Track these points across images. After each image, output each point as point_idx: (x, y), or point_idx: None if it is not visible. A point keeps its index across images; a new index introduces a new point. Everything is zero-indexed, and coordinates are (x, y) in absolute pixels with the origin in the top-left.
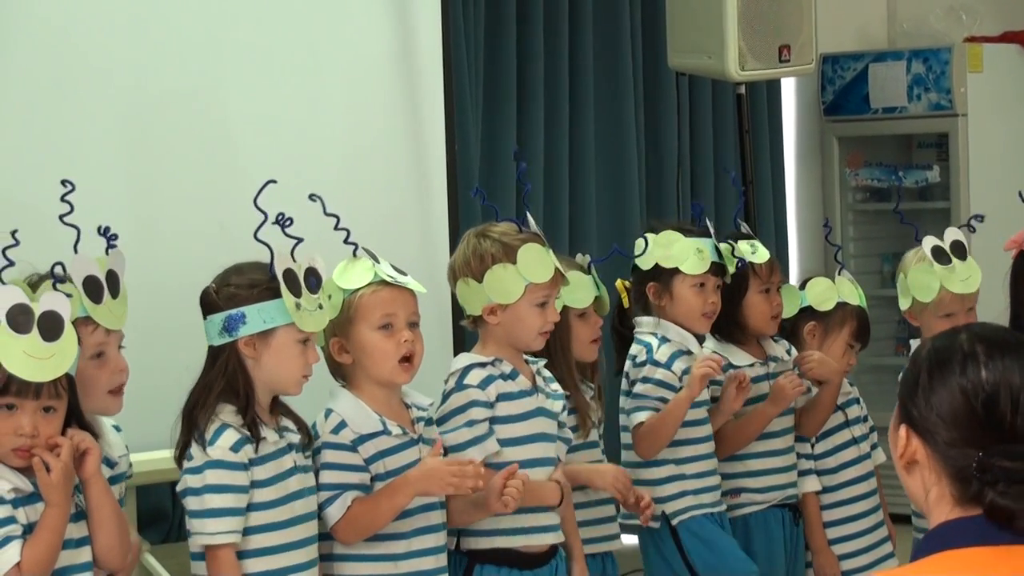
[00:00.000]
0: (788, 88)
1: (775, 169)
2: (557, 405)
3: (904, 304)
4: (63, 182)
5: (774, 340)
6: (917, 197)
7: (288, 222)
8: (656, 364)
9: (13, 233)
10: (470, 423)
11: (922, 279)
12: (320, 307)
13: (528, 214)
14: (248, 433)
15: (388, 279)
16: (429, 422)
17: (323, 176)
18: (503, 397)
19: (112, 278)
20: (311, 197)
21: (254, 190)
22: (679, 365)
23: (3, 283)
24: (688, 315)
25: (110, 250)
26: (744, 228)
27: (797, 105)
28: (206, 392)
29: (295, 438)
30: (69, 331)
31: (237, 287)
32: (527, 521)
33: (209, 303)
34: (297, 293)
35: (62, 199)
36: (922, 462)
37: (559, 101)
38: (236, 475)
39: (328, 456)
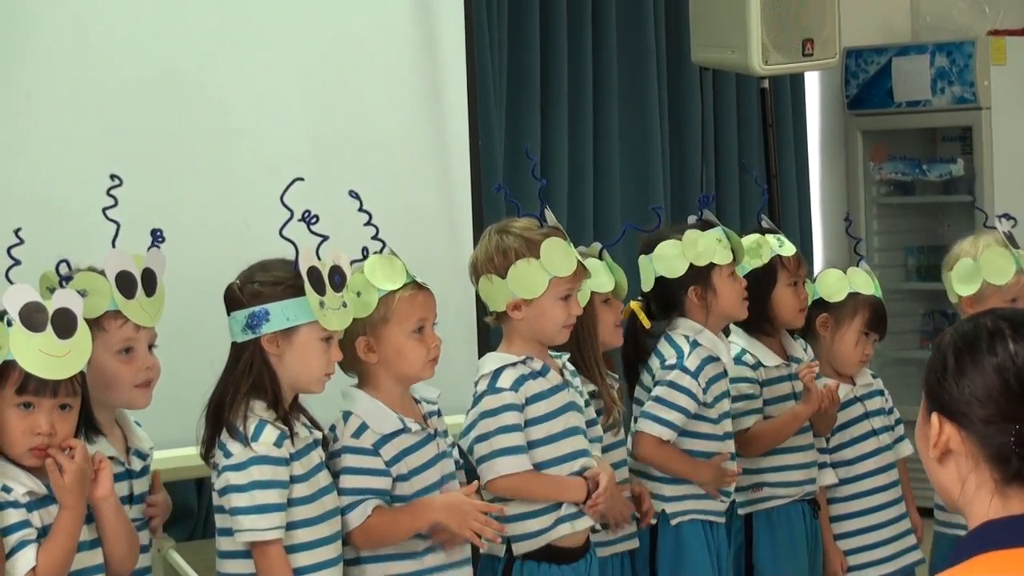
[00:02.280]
0: (812, 82)
1: (799, 163)
2: (582, 400)
3: (966, 291)
4: (112, 176)
5: (792, 339)
6: (941, 191)
7: (314, 219)
8: (684, 371)
9: (17, 231)
10: (503, 429)
11: (997, 262)
12: (344, 305)
13: (546, 208)
14: (284, 428)
15: (420, 282)
16: (439, 414)
17: (345, 172)
18: (536, 397)
19: (148, 276)
20: (350, 194)
21: (278, 187)
22: (705, 375)
23: (11, 282)
24: (733, 304)
25: (151, 249)
26: (767, 223)
27: (821, 99)
28: (233, 389)
29: (318, 434)
30: (83, 328)
31: (261, 284)
32: (560, 512)
33: (233, 299)
34: (321, 291)
35: (108, 193)
36: (956, 449)
37: (583, 96)
38: (280, 470)
39: (349, 460)
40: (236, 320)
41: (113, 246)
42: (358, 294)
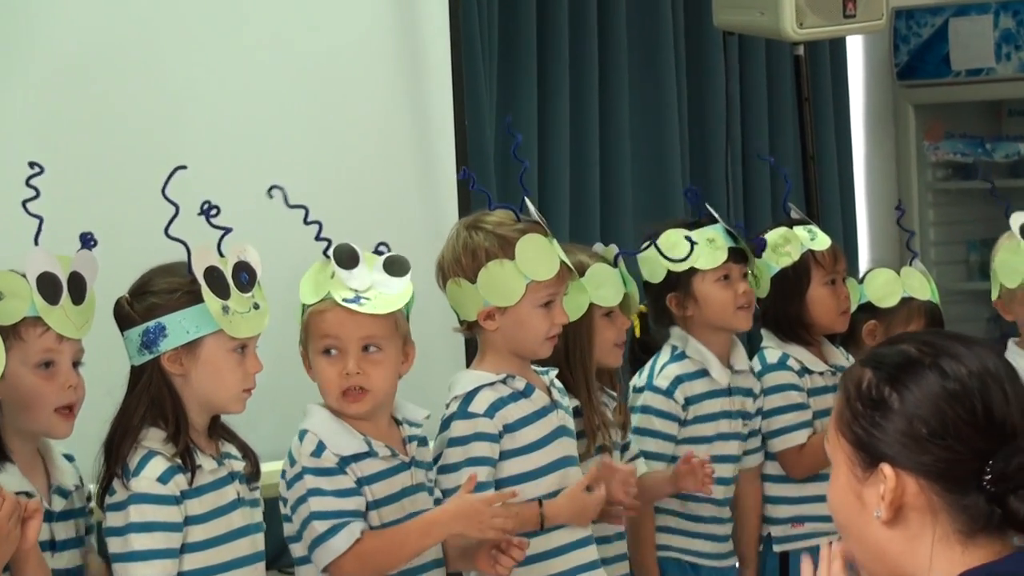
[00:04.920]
0: (855, 48)
1: (841, 143)
2: (572, 421)
3: (993, 293)
4: (31, 164)
5: (833, 346)
6: (1008, 173)
7: (215, 211)
8: (654, 391)
9: None
10: (471, 462)
11: (1010, 261)
12: (256, 307)
13: (527, 199)
14: (180, 462)
15: (339, 300)
16: (423, 441)
17: (312, 161)
18: (520, 423)
19: (76, 281)
20: (269, 191)
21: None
22: (683, 391)
23: None
24: (722, 313)
25: (81, 251)
26: (796, 212)
27: (865, 68)
28: (127, 419)
29: (239, 466)
30: None
31: (155, 294)
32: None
33: (124, 316)
34: (224, 294)
35: (27, 183)
36: (911, 503)
37: (587, 67)
38: (165, 510)
39: (313, 482)
40: (130, 340)
41: (36, 243)
42: (302, 305)
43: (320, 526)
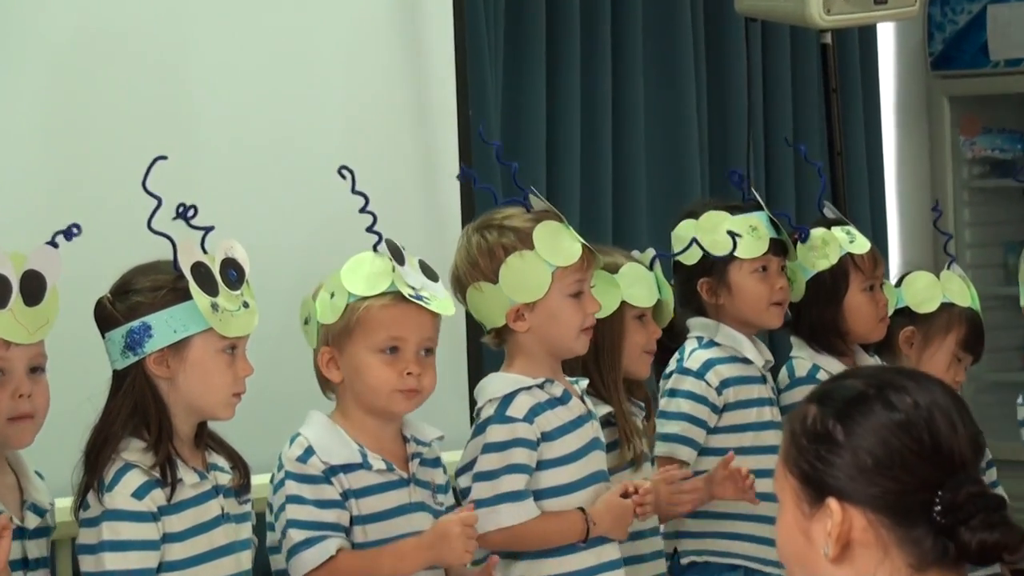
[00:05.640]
0: (886, 37)
1: (870, 138)
2: (602, 433)
3: (1022, 299)
4: None
5: (868, 356)
6: None
7: (192, 211)
8: (685, 372)
9: None
10: (511, 468)
11: None
12: (246, 305)
13: (532, 191)
14: (158, 475)
15: (407, 295)
16: (432, 463)
17: (305, 146)
18: (558, 431)
19: (32, 280)
20: (340, 172)
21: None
22: (717, 374)
23: None
24: (755, 307)
25: (43, 246)
26: (832, 211)
27: (897, 58)
28: (108, 427)
29: (225, 479)
30: None
31: (138, 292)
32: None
33: (106, 317)
34: (213, 291)
35: None
36: (860, 539)
37: (599, 54)
38: (140, 528)
39: (294, 488)
40: (112, 342)
41: None
42: (332, 295)
43: (296, 535)
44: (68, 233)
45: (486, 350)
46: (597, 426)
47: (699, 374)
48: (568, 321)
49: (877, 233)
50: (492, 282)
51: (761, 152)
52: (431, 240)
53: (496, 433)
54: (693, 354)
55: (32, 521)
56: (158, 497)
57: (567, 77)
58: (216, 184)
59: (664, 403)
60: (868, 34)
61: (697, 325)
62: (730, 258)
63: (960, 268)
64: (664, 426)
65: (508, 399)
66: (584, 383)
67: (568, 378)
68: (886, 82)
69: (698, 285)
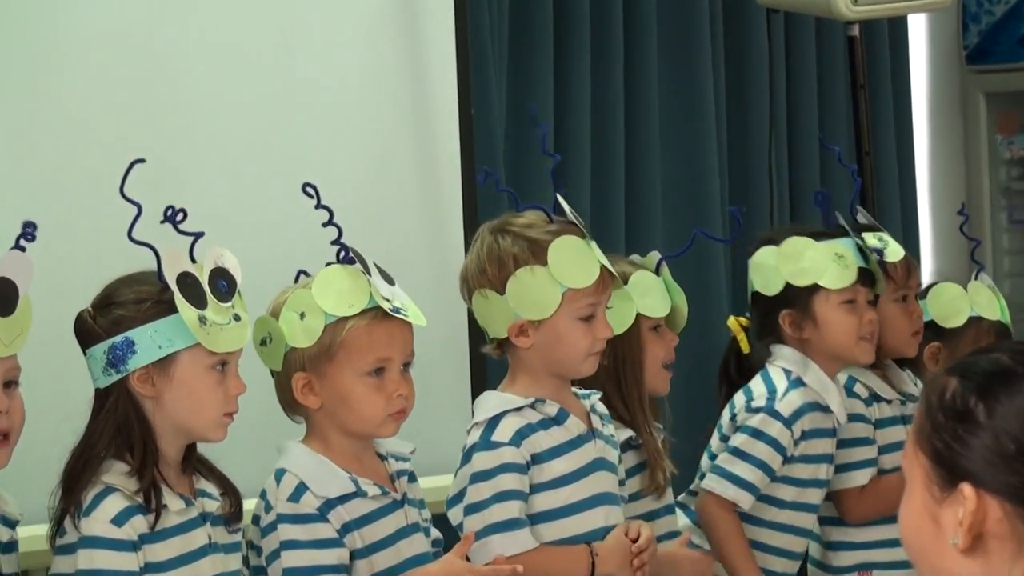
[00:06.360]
0: (917, 29)
1: (901, 137)
2: (615, 454)
3: None
4: None
5: (901, 371)
6: None
7: (180, 215)
8: (775, 416)
9: None
10: (499, 497)
11: None
12: (237, 319)
13: (559, 197)
14: (141, 500)
15: (388, 310)
16: (413, 477)
17: (298, 146)
18: (550, 453)
19: (3, 288)
20: (305, 189)
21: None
22: (801, 425)
23: None
24: (844, 342)
25: (11, 251)
26: (865, 217)
27: (930, 51)
28: (89, 447)
29: (213, 506)
30: None
31: (121, 305)
32: None
33: (87, 332)
34: (200, 303)
35: None
36: (994, 531)
37: (611, 48)
38: (117, 557)
39: (289, 532)
40: (94, 358)
41: None
42: (302, 315)
43: None
44: (27, 235)
45: (492, 362)
46: (603, 445)
47: (788, 422)
48: (574, 344)
49: (908, 239)
50: (499, 292)
51: (784, 153)
52: (431, 241)
53: (482, 461)
54: (787, 396)
55: (3, 534)
56: (139, 524)
57: (576, 73)
58: (207, 188)
59: (742, 441)
60: (898, 26)
61: (784, 356)
62: (815, 288)
63: (989, 278)
64: (735, 465)
65: (493, 422)
66: (595, 397)
67: (581, 391)
68: (918, 77)
69: (780, 317)
